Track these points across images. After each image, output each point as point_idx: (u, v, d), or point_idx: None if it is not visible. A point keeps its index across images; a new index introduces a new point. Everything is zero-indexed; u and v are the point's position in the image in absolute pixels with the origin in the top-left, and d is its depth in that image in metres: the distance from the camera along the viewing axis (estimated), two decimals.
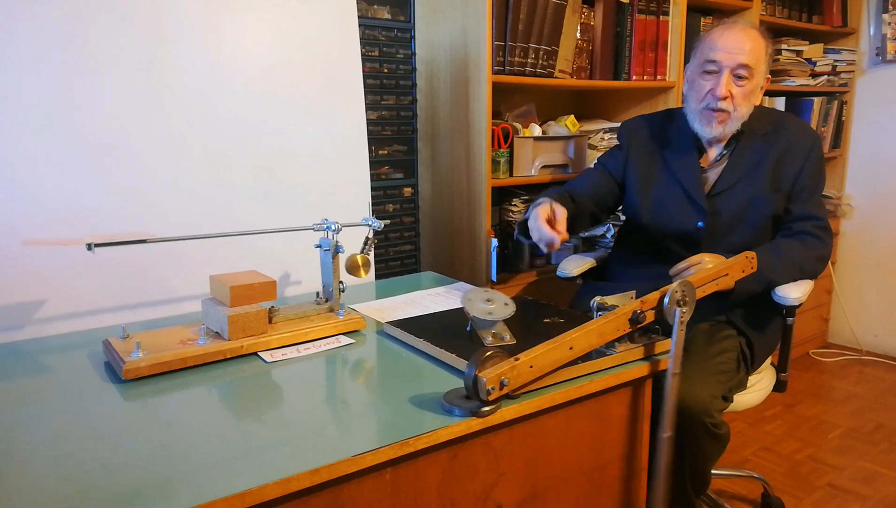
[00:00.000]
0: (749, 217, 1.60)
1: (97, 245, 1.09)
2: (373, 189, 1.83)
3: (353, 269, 1.32)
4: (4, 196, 1.25)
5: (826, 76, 3.07)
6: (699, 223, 1.61)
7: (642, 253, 1.68)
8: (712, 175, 1.66)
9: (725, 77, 1.53)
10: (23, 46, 1.25)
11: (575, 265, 1.84)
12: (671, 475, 1.39)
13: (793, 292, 1.53)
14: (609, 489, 1.12)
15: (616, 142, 1.87)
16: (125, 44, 1.35)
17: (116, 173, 1.35)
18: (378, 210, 1.97)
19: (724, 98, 1.54)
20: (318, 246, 1.31)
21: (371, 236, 1.36)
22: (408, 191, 2.04)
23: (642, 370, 1.10)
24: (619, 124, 2.45)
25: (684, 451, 1.37)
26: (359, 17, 1.68)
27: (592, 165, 1.81)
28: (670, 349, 1.09)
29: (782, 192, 1.61)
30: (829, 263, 3.21)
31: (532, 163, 2.14)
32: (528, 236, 1.49)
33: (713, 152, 1.67)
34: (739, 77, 1.54)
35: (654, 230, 1.68)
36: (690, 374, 1.40)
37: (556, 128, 2.31)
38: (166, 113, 1.40)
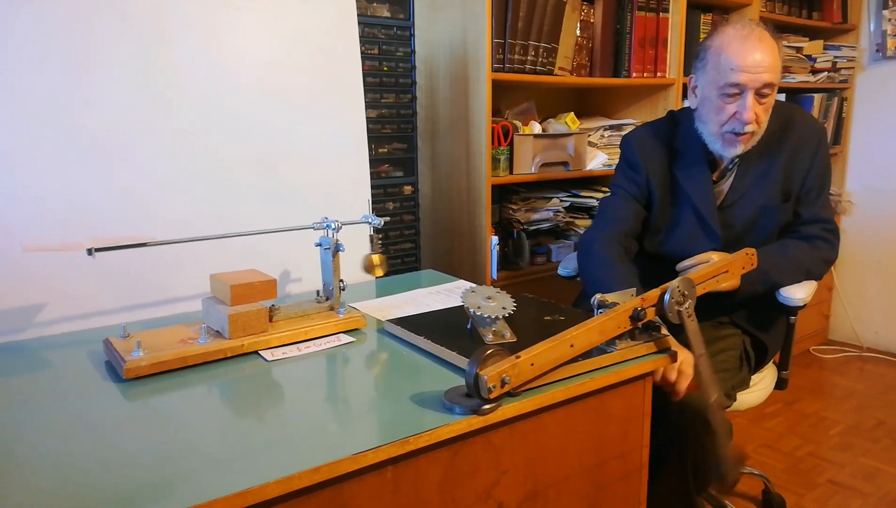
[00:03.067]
0: (760, 227, 1.56)
1: (97, 250, 1.09)
2: (373, 187, 1.83)
3: (369, 268, 1.33)
4: (4, 196, 1.25)
5: (826, 73, 3.07)
6: (713, 246, 1.53)
7: (652, 270, 1.57)
8: (723, 187, 1.59)
9: (750, 100, 1.43)
10: (22, 46, 1.25)
11: (575, 264, 1.84)
12: (673, 472, 1.40)
13: (798, 294, 1.52)
14: (610, 486, 1.12)
15: (618, 149, 1.78)
16: (125, 43, 1.34)
17: (117, 173, 1.35)
18: (378, 208, 1.97)
19: (752, 121, 1.45)
20: (319, 244, 1.30)
21: (374, 233, 1.37)
22: (408, 189, 2.04)
23: (643, 367, 1.10)
24: (618, 122, 2.45)
25: (686, 448, 1.38)
26: (358, 15, 1.68)
27: (618, 195, 1.65)
28: (689, 338, 1.12)
29: (792, 196, 1.56)
30: None
31: (532, 161, 2.14)
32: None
33: (724, 164, 1.58)
34: (763, 95, 1.45)
35: (667, 251, 1.61)
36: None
37: (556, 125, 2.30)
38: (166, 112, 1.40)
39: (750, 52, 1.41)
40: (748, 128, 1.45)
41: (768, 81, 1.42)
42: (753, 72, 1.41)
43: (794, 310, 1.59)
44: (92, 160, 1.32)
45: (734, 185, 1.57)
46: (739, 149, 1.50)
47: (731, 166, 1.58)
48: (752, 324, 1.57)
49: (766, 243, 1.56)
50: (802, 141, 1.56)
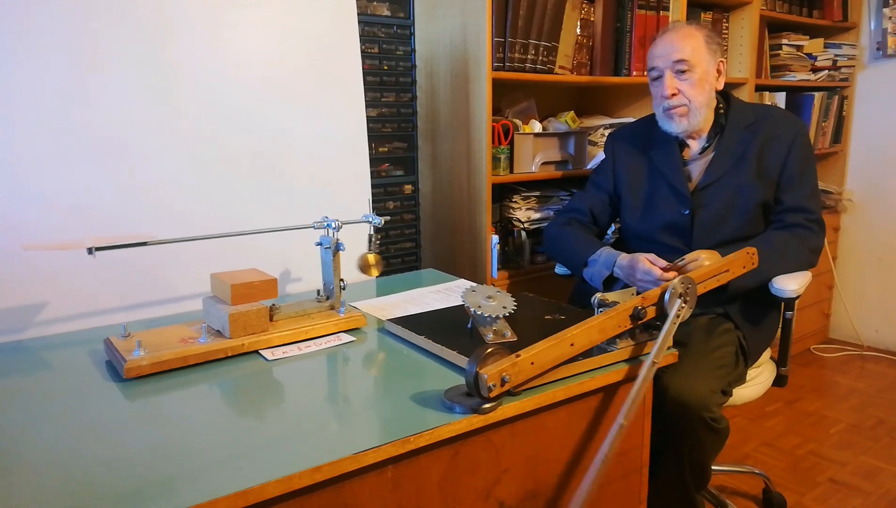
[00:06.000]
0: (738, 206, 1.63)
1: (98, 249, 1.09)
2: (373, 187, 1.83)
3: (365, 268, 1.34)
4: (7, 194, 1.25)
5: (827, 71, 3.07)
6: (685, 211, 1.65)
7: (638, 249, 1.69)
8: (697, 168, 1.70)
9: (667, 77, 1.64)
10: (27, 44, 1.25)
11: None
12: (672, 470, 1.41)
13: (790, 285, 1.53)
14: (610, 485, 1.12)
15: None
16: (128, 41, 1.34)
17: (118, 171, 1.35)
18: (378, 208, 1.97)
19: (673, 95, 1.63)
20: (319, 244, 1.31)
21: (372, 232, 1.36)
22: (408, 188, 2.04)
23: (644, 366, 1.10)
24: (619, 120, 2.46)
25: (684, 446, 1.38)
26: (358, 13, 1.68)
27: (585, 189, 1.89)
28: (657, 338, 1.07)
29: (769, 179, 1.64)
30: (831, 258, 3.22)
31: (532, 159, 2.14)
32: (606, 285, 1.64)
33: (695, 145, 1.72)
34: (681, 72, 1.63)
35: (647, 225, 1.72)
36: (689, 369, 1.40)
37: (556, 124, 2.30)
38: (168, 110, 1.40)
39: (660, 42, 1.67)
40: (673, 101, 1.64)
41: (677, 57, 1.63)
42: (663, 55, 1.65)
43: (790, 304, 1.60)
44: (95, 157, 1.33)
45: (710, 168, 1.67)
46: (680, 123, 1.66)
47: (702, 150, 1.71)
48: (744, 318, 1.59)
49: (747, 224, 1.64)
50: (777, 131, 1.66)
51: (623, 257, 1.59)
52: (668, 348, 1.14)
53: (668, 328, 1.08)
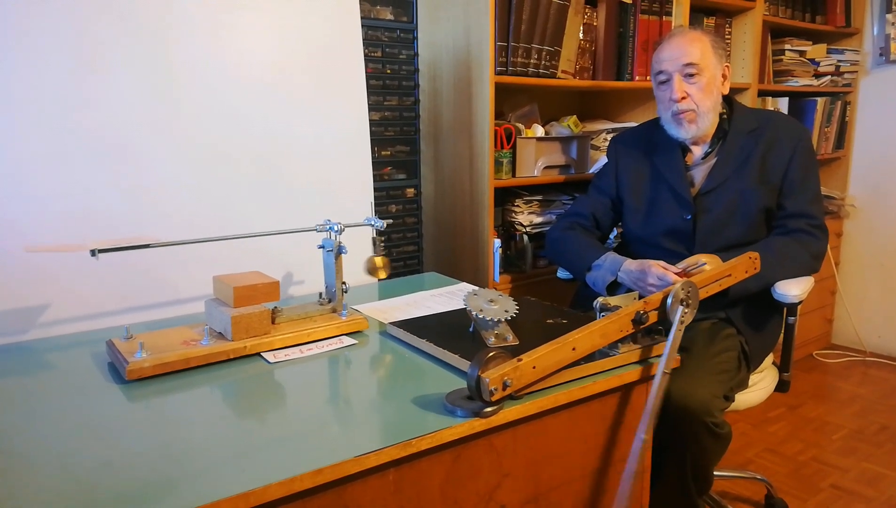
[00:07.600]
0: (740, 211, 1.64)
1: (101, 251, 1.09)
2: (375, 190, 1.83)
3: (373, 271, 1.34)
4: (8, 195, 1.25)
5: (829, 76, 3.07)
6: (687, 216, 1.65)
7: (640, 254, 1.69)
8: (700, 173, 1.70)
9: (676, 81, 1.63)
10: (27, 46, 1.25)
11: None
12: (674, 475, 1.40)
13: (792, 290, 1.53)
14: (612, 490, 1.12)
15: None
16: (129, 43, 1.35)
17: (120, 173, 1.36)
18: (381, 211, 1.97)
19: (682, 99, 1.62)
20: (321, 247, 1.31)
21: (376, 235, 1.37)
22: (410, 192, 2.04)
23: (645, 370, 1.10)
24: (621, 125, 2.46)
25: (686, 452, 1.37)
26: (361, 17, 1.68)
27: (587, 193, 1.89)
28: (665, 348, 1.09)
29: (771, 184, 1.64)
30: (833, 263, 3.21)
31: (535, 164, 2.14)
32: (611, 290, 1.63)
33: (698, 150, 1.72)
34: (689, 75, 1.62)
35: (649, 230, 1.72)
36: (692, 374, 1.40)
37: (558, 128, 2.31)
38: (170, 112, 1.40)
39: (668, 46, 1.65)
40: (682, 105, 1.63)
41: (687, 61, 1.62)
42: (672, 58, 1.63)
43: (792, 309, 1.60)
44: (97, 159, 1.33)
45: (713, 173, 1.67)
46: (689, 128, 1.65)
47: (704, 155, 1.70)
48: (746, 323, 1.59)
49: (749, 230, 1.64)
50: (780, 136, 1.66)
51: (630, 263, 1.58)
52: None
53: (675, 336, 1.08)
